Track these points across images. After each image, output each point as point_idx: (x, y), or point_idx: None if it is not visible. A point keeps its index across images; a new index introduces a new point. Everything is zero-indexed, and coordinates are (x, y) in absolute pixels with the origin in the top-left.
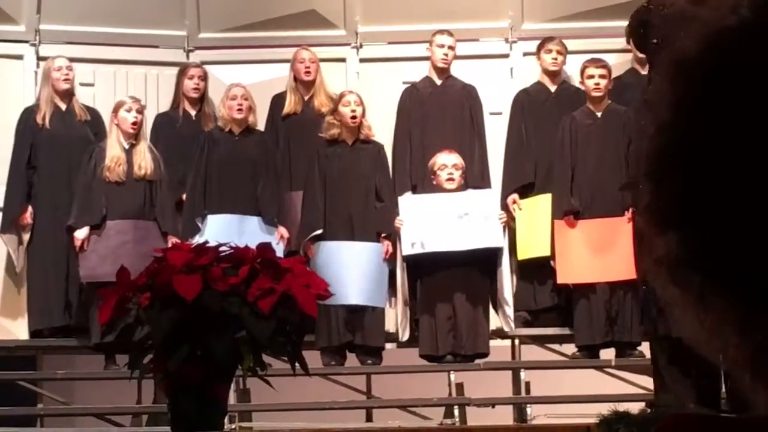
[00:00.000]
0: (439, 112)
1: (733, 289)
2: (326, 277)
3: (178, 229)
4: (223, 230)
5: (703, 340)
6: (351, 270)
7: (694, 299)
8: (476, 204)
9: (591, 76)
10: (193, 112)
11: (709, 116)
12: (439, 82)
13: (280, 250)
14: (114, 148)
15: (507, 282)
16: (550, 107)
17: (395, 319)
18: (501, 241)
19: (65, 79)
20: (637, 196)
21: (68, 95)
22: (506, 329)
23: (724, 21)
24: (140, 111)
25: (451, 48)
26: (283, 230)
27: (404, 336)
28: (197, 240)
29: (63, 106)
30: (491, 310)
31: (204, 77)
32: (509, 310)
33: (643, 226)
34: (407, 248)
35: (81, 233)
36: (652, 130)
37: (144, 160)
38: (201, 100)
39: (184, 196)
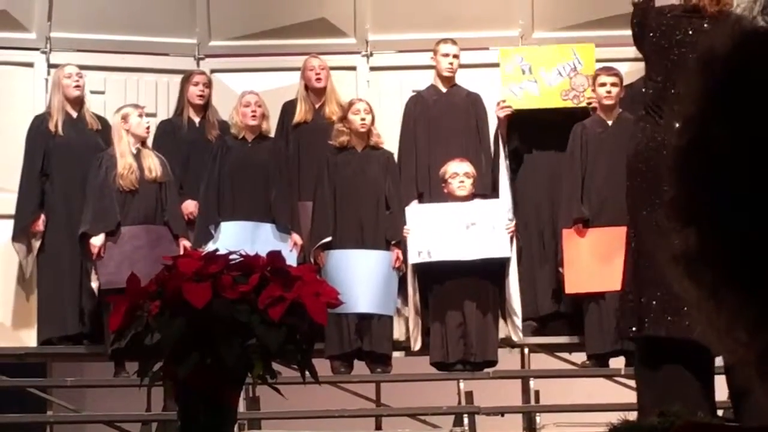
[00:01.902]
0: (445, 120)
1: (746, 289)
2: (336, 285)
3: (187, 230)
4: (236, 237)
5: (714, 337)
6: (361, 278)
7: (707, 296)
8: (484, 214)
9: (603, 84)
10: (197, 119)
11: (733, 114)
12: (444, 90)
13: (293, 258)
14: (126, 156)
15: (515, 291)
16: (549, 116)
17: (406, 328)
18: (508, 251)
19: (76, 86)
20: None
21: (79, 102)
22: (515, 338)
23: (754, 22)
24: (145, 116)
25: (455, 57)
26: (296, 237)
27: (416, 346)
28: (210, 247)
29: (74, 114)
30: (501, 319)
31: (209, 84)
32: (518, 320)
33: (664, 220)
34: (414, 257)
35: (97, 240)
36: (679, 124)
37: (153, 163)
38: (205, 107)
39: (184, 204)
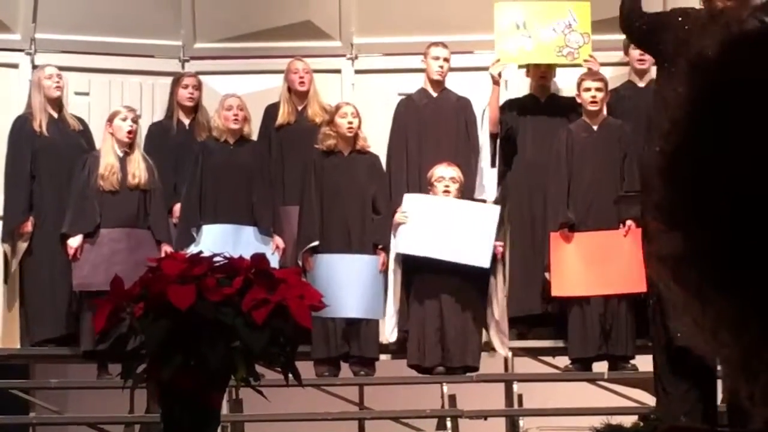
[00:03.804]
0: (435, 123)
1: (730, 291)
2: (323, 289)
3: (171, 237)
4: (218, 240)
5: (699, 339)
6: (348, 283)
7: (693, 298)
8: (477, 218)
9: (587, 89)
10: (186, 122)
11: (720, 118)
12: (434, 94)
13: (275, 261)
14: (108, 157)
15: (500, 305)
16: (539, 118)
17: (385, 321)
18: (487, 262)
19: (57, 87)
20: (645, 196)
21: (59, 104)
22: (502, 353)
23: (743, 25)
24: (135, 120)
25: (446, 60)
26: (278, 240)
27: (392, 337)
28: (192, 250)
29: (55, 115)
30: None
31: (198, 86)
32: (503, 337)
33: (651, 223)
34: (403, 246)
35: (74, 241)
36: (667, 128)
37: (138, 169)
38: (195, 109)
39: (176, 206)
